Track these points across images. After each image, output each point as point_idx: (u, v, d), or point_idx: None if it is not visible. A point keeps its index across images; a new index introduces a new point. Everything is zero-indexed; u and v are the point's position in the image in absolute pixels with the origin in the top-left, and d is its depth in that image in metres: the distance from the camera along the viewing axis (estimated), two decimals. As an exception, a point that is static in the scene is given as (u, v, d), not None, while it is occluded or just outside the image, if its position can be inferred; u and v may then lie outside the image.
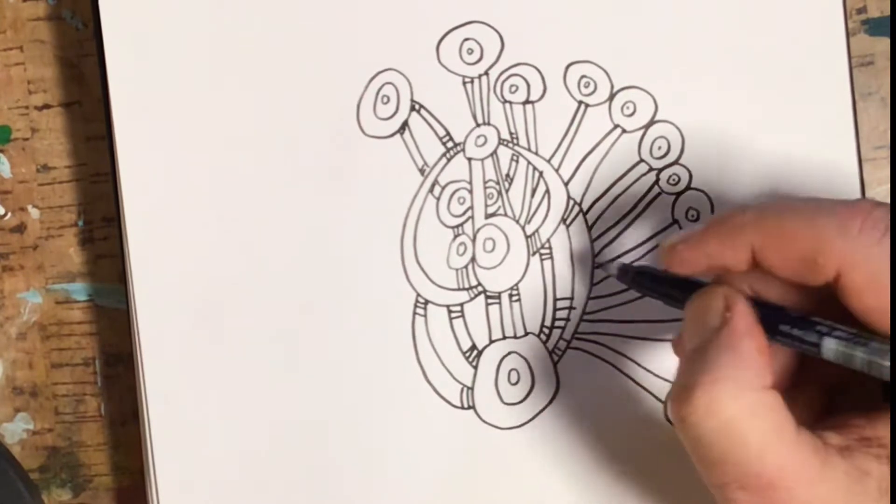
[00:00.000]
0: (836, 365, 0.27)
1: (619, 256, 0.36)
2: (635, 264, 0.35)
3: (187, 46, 0.36)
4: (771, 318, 0.29)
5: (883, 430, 0.27)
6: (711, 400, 0.27)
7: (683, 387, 0.27)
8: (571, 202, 0.36)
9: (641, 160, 0.36)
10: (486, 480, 0.36)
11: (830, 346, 0.27)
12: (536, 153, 0.36)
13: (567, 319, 0.36)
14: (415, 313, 0.36)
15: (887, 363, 0.26)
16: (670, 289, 0.32)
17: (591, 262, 0.36)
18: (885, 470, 0.26)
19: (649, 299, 0.35)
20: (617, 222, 0.36)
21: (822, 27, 0.35)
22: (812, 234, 0.27)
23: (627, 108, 0.36)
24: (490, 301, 0.36)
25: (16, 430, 0.40)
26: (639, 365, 0.36)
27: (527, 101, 0.36)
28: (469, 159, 0.36)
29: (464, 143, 0.36)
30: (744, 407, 0.26)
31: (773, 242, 0.28)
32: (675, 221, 0.36)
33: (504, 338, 0.36)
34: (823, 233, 0.27)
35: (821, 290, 0.28)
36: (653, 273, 0.33)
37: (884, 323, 0.26)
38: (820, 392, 0.31)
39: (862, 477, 0.26)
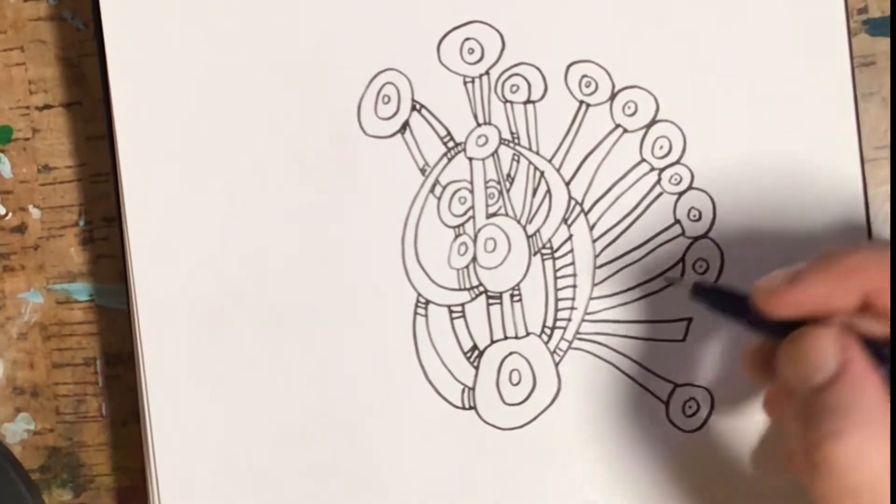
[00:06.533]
0: None
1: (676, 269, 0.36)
2: (711, 284, 0.33)
3: (188, 46, 0.36)
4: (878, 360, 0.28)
5: None
6: (860, 447, 0.26)
7: (822, 436, 0.26)
8: (573, 202, 0.36)
9: (643, 160, 0.36)
10: (487, 481, 0.36)
11: None
12: (537, 153, 0.36)
13: (568, 320, 0.36)
14: (416, 313, 0.36)
15: None
16: (757, 317, 0.30)
17: (593, 262, 0.36)
18: None
19: (650, 298, 0.35)
20: (618, 222, 0.36)
21: (823, 27, 0.35)
22: None
23: (629, 107, 0.36)
24: (491, 301, 0.36)
25: (17, 430, 0.40)
26: (640, 365, 0.36)
27: (528, 101, 0.36)
28: (470, 159, 0.36)
29: (465, 142, 0.36)
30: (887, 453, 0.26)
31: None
32: (677, 221, 0.36)
33: (505, 338, 0.36)
34: None
35: None
36: (737, 296, 0.31)
37: None
38: None
39: None
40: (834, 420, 0.26)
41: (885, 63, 0.37)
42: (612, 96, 0.36)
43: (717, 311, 0.32)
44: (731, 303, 0.31)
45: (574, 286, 0.36)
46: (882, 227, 0.37)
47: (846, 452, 0.26)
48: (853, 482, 0.26)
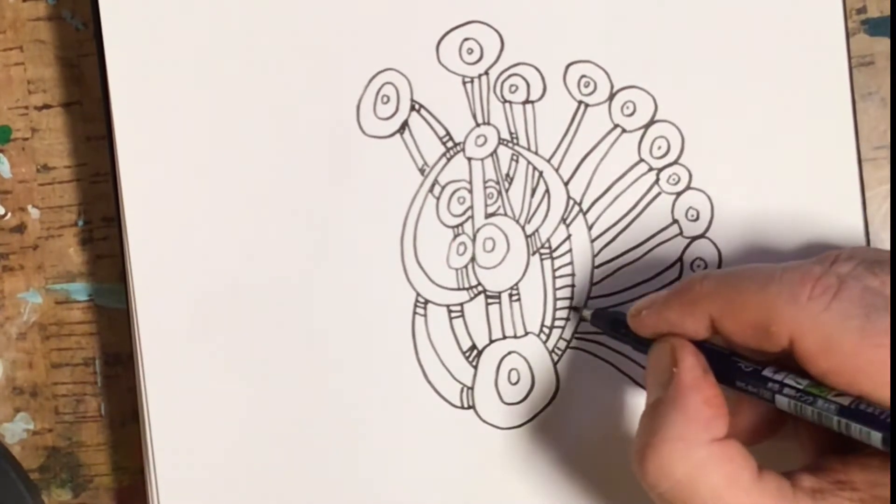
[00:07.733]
0: None
1: (595, 296, 0.36)
2: (610, 310, 0.35)
3: (187, 46, 0.36)
4: (726, 372, 0.30)
5: (855, 475, 0.28)
6: (662, 462, 0.28)
7: (638, 448, 0.29)
8: (571, 202, 0.36)
9: (641, 160, 0.36)
10: (486, 480, 0.36)
11: (783, 402, 0.28)
12: (536, 153, 0.36)
13: (567, 319, 0.36)
14: (415, 313, 0.36)
15: (834, 419, 0.27)
16: (638, 338, 0.32)
17: (591, 262, 0.36)
18: None
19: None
20: (617, 222, 0.36)
21: (821, 27, 0.35)
22: (764, 304, 0.28)
23: (627, 107, 0.36)
24: (490, 301, 0.36)
25: (16, 430, 0.40)
26: (639, 364, 0.36)
27: (527, 101, 0.36)
28: (469, 159, 0.36)
29: (464, 142, 0.36)
30: (693, 465, 0.27)
31: (729, 312, 0.29)
32: (675, 221, 0.36)
33: (504, 337, 0.36)
34: (775, 302, 0.28)
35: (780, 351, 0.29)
36: (624, 321, 0.33)
37: (841, 383, 0.27)
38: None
39: None
40: (642, 436, 0.29)
41: (884, 63, 0.37)
42: (611, 96, 0.36)
43: (612, 334, 0.34)
44: (622, 326, 0.33)
45: (572, 286, 0.36)
46: (879, 228, 0.37)
47: (650, 467, 0.28)
48: (660, 492, 0.28)
